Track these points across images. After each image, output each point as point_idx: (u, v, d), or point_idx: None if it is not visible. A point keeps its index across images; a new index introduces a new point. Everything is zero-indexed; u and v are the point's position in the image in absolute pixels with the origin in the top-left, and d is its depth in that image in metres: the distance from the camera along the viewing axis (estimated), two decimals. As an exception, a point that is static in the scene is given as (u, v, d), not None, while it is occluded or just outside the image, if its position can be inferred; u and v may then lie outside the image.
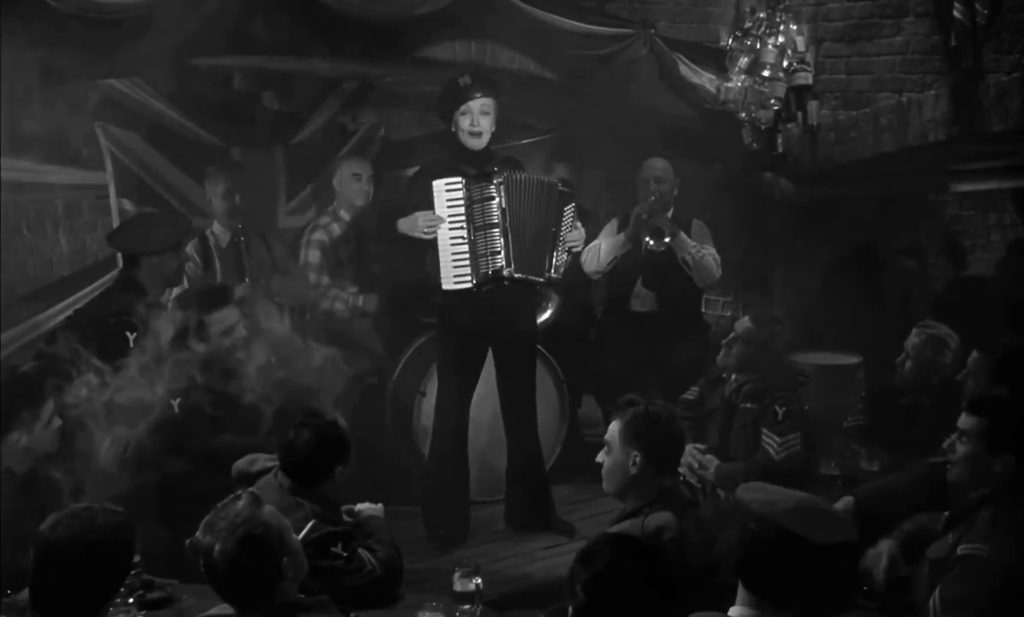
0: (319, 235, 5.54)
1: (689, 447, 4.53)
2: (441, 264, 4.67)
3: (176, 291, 4.84)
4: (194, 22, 4.84)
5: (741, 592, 2.51)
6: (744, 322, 4.77)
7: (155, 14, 4.66)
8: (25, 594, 2.75)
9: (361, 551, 3.38)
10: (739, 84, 5.72)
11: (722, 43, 5.94)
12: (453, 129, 4.79)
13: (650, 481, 3.30)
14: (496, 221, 4.66)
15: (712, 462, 4.58)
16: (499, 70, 6.11)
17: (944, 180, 7.01)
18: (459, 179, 4.66)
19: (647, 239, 5.26)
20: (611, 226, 5.53)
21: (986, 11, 5.18)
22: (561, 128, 6.40)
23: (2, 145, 4.71)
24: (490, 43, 6.26)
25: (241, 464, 3.70)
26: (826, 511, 2.61)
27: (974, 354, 4.26)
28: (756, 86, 5.67)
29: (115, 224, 5.34)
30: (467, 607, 3.20)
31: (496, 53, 6.30)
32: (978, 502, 3.32)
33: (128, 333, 4.19)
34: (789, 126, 5.96)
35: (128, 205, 5.47)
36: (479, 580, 3.23)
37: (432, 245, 4.68)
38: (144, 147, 5.52)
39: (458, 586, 3.22)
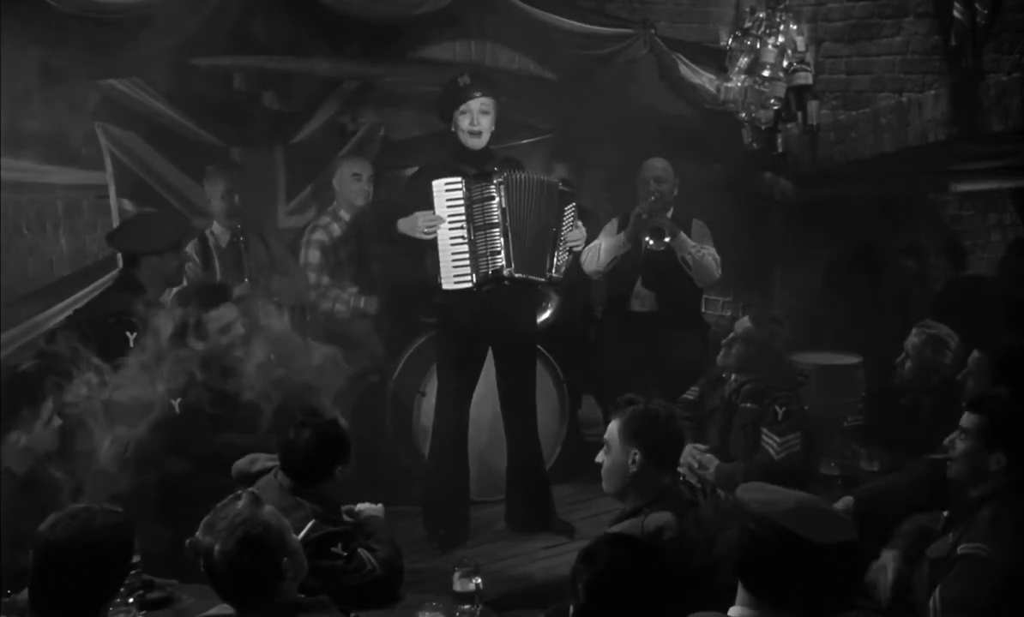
0: (319, 235, 5.54)
1: (689, 447, 4.54)
2: (441, 264, 4.67)
3: (176, 290, 4.84)
4: (194, 22, 4.84)
5: (741, 592, 2.52)
6: (744, 322, 4.77)
7: (155, 14, 4.66)
8: (25, 594, 2.75)
9: (361, 551, 3.38)
10: (739, 84, 5.72)
11: (722, 43, 5.94)
12: (453, 129, 4.79)
13: (650, 480, 3.30)
14: (496, 221, 4.66)
15: (712, 462, 4.58)
16: (499, 70, 6.11)
17: (944, 180, 7.01)
18: (459, 179, 4.66)
19: (647, 239, 5.26)
20: (611, 226, 5.53)
21: (986, 11, 5.18)
22: (561, 128, 6.40)
23: (2, 145, 4.71)
24: (490, 43, 6.27)
25: (241, 464, 3.70)
26: (826, 511, 2.61)
27: (974, 354, 4.26)
28: (756, 86, 5.68)
29: (115, 224, 5.34)
30: (467, 607, 3.20)
31: (496, 53, 6.31)
32: (978, 501, 3.32)
33: (128, 333, 4.19)
34: (789, 126, 5.96)
35: (128, 205, 5.47)
36: (479, 580, 3.23)
37: (432, 245, 4.68)
38: (144, 147, 5.52)
39: (458, 586, 3.22)
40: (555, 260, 4.82)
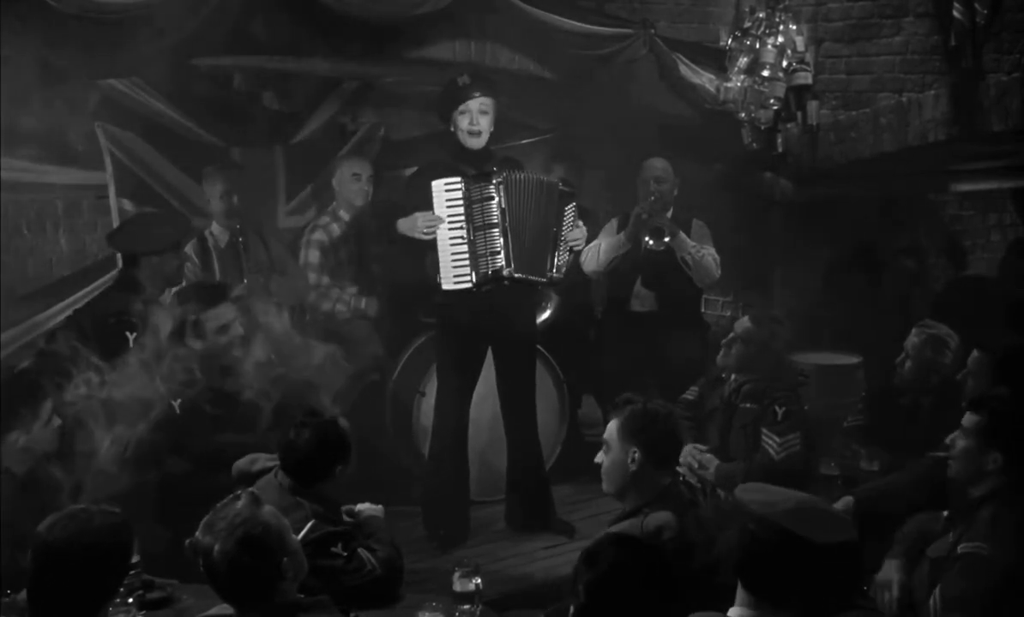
0: (319, 235, 5.54)
1: (689, 447, 4.54)
2: (441, 264, 4.67)
3: (175, 290, 4.84)
4: (194, 22, 4.84)
5: (741, 593, 2.51)
6: (744, 322, 4.76)
7: (155, 14, 4.66)
8: (25, 594, 2.75)
9: (361, 551, 3.38)
10: (739, 84, 5.72)
11: (722, 43, 5.94)
12: (452, 129, 4.80)
13: (649, 479, 3.30)
14: (496, 221, 4.66)
15: (712, 462, 4.58)
16: (499, 70, 6.11)
17: (944, 180, 7.01)
18: (458, 179, 4.66)
19: (647, 239, 5.26)
20: (611, 226, 5.53)
21: (986, 11, 5.18)
22: (561, 128, 6.40)
23: (2, 145, 4.71)
24: (490, 43, 6.27)
25: (241, 464, 3.71)
26: (826, 511, 2.61)
27: (974, 354, 4.26)
28: (756, 86, 5.68)
29: (115, 224, 5.33)
30: (467, 607, 3.20)
31: (496, 53, 6.31)
32: (978, 501, 3.33)
33: (128, 333, 4.18)
34: (789, 126, 5.97)
35: (128, 205, 5.46)
36: (479, 580, 3.23)
37: (432, 245, 4.68)
38: (144, 147, 5.51)
39: (458, 586, 3.22)
40: (556, 260, 4.82)
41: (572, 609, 2.52)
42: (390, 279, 5.63)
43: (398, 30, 5.80)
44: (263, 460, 3.65)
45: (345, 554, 3.30)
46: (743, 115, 5.81)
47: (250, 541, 2.57)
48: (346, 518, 3.54)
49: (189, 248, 5.26)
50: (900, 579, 3.53)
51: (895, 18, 5.72)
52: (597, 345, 5.89)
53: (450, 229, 4.65)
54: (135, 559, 2.99)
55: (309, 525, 3.24)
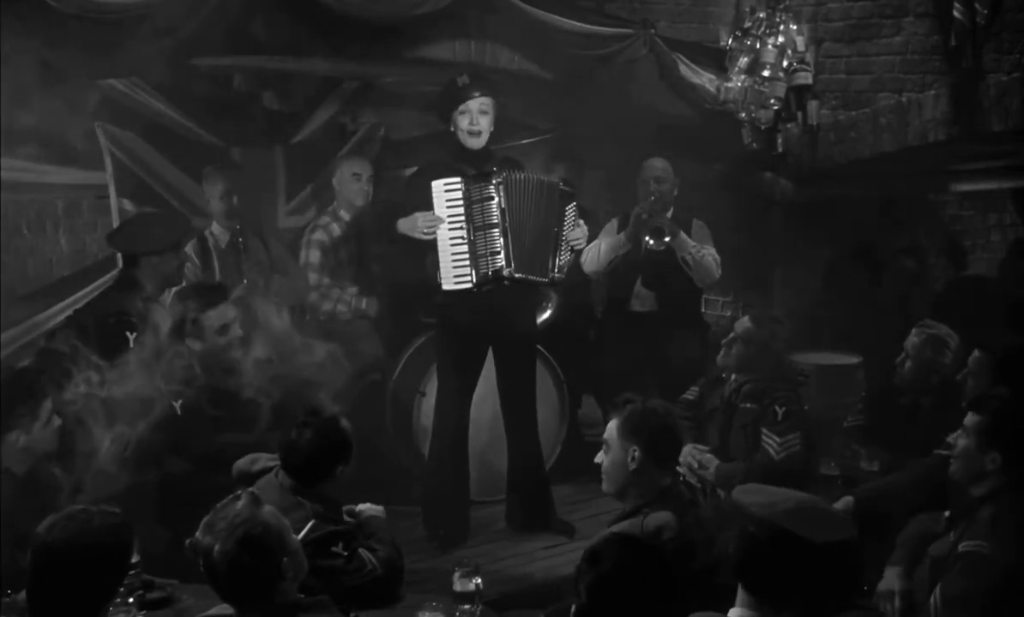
0: (319, 235, 5.54)
1: (689, 447, 4.54)
2: (441, 264, 4.67)
3: (175, 290, 4.84)
4: (194, 22, 4.84)
5: (741, 593, 2.52)
6: (744, 322, 4.76)
7: (155, 14, 4.66)
8: (25, 594, 2.75)
9: (361, 551, 3.37)
10: (739, 84, 5.72)
11: (722, 43, 5.94)
12: (452, 129, 4.80)
13: (649, 478, 3.30)
14: (496, 221, 4.66)
15: (712, 462, 4.58)
16: (499, 70, 6.11)
17: (944, 180, 7.01)
18: (458, 179, 4.66)
19: (647, 239, 5.26)
20: (611, 226, 5.53)
21: (986, 11, 5.18)
22: (561, 128, 6.40)
23: (2, 145, 4.71)
24: (490, 43, 6.26)
25: (242, 463, 3.70)
26: (825, 511, 2.61)
27: (974, 354, 4.26)
28: (756, 86, 5.68)
29: (115, 224, 5.33)
30: (467, 607, 3.20)
31: (496, 53, 6.30)
32: (979, 500, 3.33)
33: (128, 333, 4.19)
34: (789, 126, 5.97)
35: (128, 205, 5.46)
36: (479, 580, 3.23)
37: (432, 245, 4.68)
38: (144, 147, 5.51)
39: (458, 586, 3.21)
40: (558, 260, 4.82)
41: (573, 609, 2.53)
42: (390, 279, 5.63)
43: (398, 30, 5.79)
44: (263, 460, 3.65)
45: (345, 554, 3.30)
46: (743, 115, 5.81)
47: (250, 541, 2.57)
48: (347, 518, 3.54)
49: (189, 248, 5.26)
50: (902, 588, 3.53)
51: (895, 18, 5.71)
52: (597, 345, 5.89)
53: (450, 229, 4.65)
54: (135, 559, 2.99)
55: (309, 525, 3.24)
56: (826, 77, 5.96)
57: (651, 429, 3.32)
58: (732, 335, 4.75)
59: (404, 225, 4.68)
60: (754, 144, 5.98)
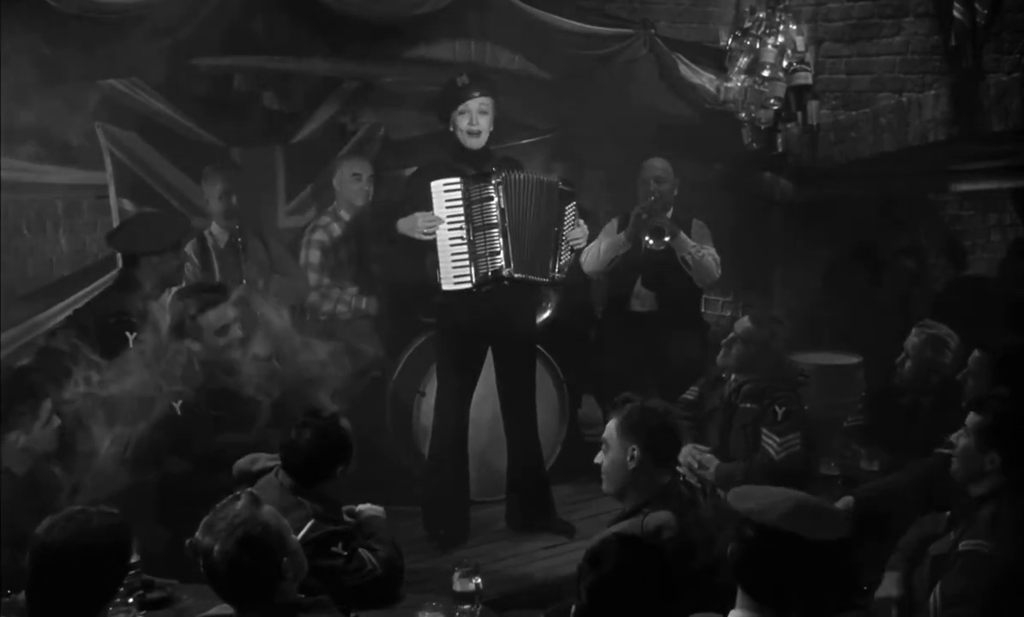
0: (319, 235, 5.54)
1: (689, 447, 4.54)
2: (440, 264, 4.68)
3: (175, 290, 4.84)
4: (194, 22, 4.84)
5: (741, 595, 2.51)
6: (744, 322, 4.76)
7: (155, 14, 4.66)
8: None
9: (361, 551, 3.38)
10: (739, 84, 5.73)
11: (722, 43, 5.94)
12: (451, 129, 4.80)
13: (649, 477, 3.31)
14: (495, 221, 4.66)
15: (712, 462, 4.58)
16: (499, 70, 6.11)
17: (944, 180, 7.01)
18: (457, 179, 4.66)
19: (647, 239, 5.26)
20: (611, 226, 5.53)
21: (986, 11, 5.18)
22: (561, 128, 6.39)
23: (2, 144, 4.71)
24: (490, 43, 6.26)
25: (242, 463, 3.70)
26: (819, 508, 2.60)
27: (974, 354, 4.26)
28: (756, 86, 5.68)
29: (115, 224, 5.33)
30: (467, 607, 3.20)
31: (496, 53, 6.30)
32: (979, 500, 3.33)
33: (128, 333, 4.18)
34: (789, 126, 5.97)
35: (128, 205, 5.45)
36: (479, 580, 3.23)
37: (432, 246, 4.68)
38: (144, 147, 5.51)
39: (458, 586, 3.22)
40: (558, 260, 4.82)
41: (573, 609, 2.53)
42: (390, 279, 5.62)
43: (398, 30, 5.79)
44: (263, 460, 3.65)
45: (345, 554, 3.31)
46: (743, 115, 5.81)
47: (250, 541, 2.57)
48: (347, 518, 3.54)
49: (189, 248, 5.26)
50: (898, 595, 3.53)
51: (895, 18, 5.71)
52: (597, 345, 5.89)
53: (450, 229, 4.65)
54: (135, 559, 3.00)
55: (309, 524, 3.24)
56: (826, 77, 5.96)
57: (650, 428, 3.33)
58: (732, 335, 4.75)
59: (404, 225, 4.68)
60: (754, 144, 5.98)
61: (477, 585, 3.22)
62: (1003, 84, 5.26)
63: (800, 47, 5.70)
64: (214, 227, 5.48)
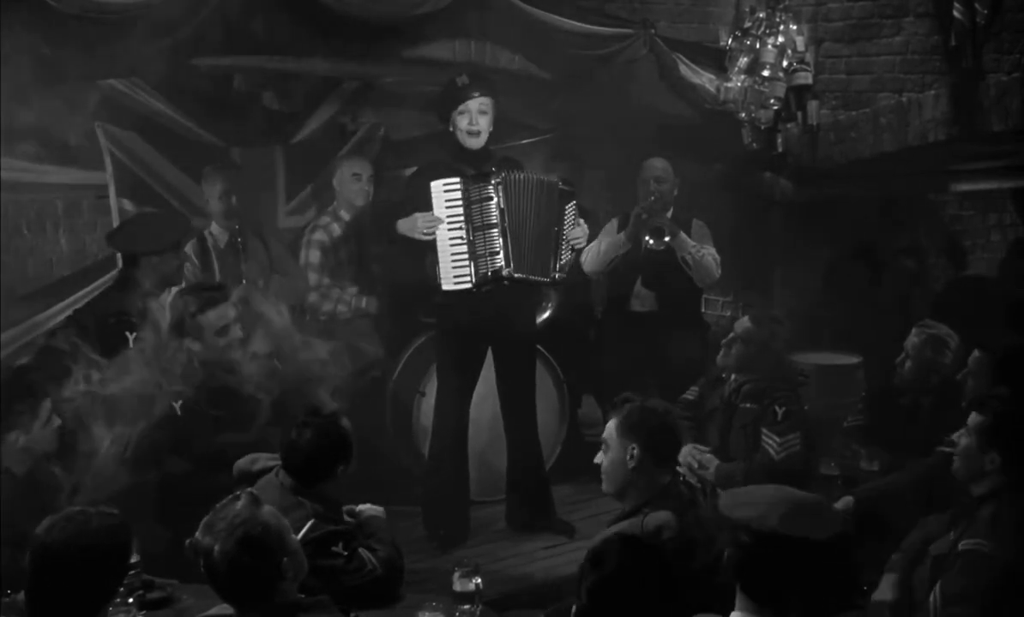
0: (319, 235, 5.54)
1: (689, 447, 4.54)
2: (440, 265, 4.68)
3: (175, 290, 4.84)
4: (194, 22, 4.84)
5: (740, 598, 2.51)
6: (744, 322, 4.77)
7: (155, 14, 4.65)
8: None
9: (361, 551, 3.38)
10: (739, 84, 5.73)
11: (722, 43, 5.94)
12: (451, 129, 4.80)
13: (648, 477, 3.31)
14: (495, 221, 4.66)
15: (712, 462, 4.59)
16: (499, 70, 6.10)
17: (944, 180, 7.01)
18: (457, 180, 4.66)
19: (647, 239, 5.27)
20: (611, 226, 5.53)
21: (986, 11, 5.18)
22: (561, 128, 6.39)
23: (2, 144, 4.71)
24: (490, 43, 6.25)
25: (242, 463, 3.70)
26: (813, 507, 2.59)
27: (974, 354, 4.27)
28: (756, 86, 5.68)
29: (115, 224, 5.33)
30: (467, 607, 3.20)
31: (496, 53, 6.30)
32: (979, 499, 3.34)
33: (128, 333, 4.19)
34: (789, 126, 5.97)
35: (128, 205, 5.45)
36: (479, 580, 3.23)
37: (431, 246, 4.68)
38: (144, 147, 5.51)
39: (458, 586, 3.22)
40: (559, 260, 4.82)
41: (574, 609, 2.53)
42: (390, 279, 5.62)
43: (398, 30, 5.78)
44: (264, 460, 3.65)
45: (345, 554, 3.31)
46: (743, 115, 5.81)
47: (250, 541, 2.57)
48: (347, 518, 3.54)
49: (189, 248, 5.26)
50: (894, 599, 3.53)
51: (895, 18, 5.71)
52: (597, 345, 5.89)
53: (449, 229, 4.65)
54: (135, 559, 3.00)
55: (309, 524, 3.24)
56: (826, 77, 5.96)
57: (650, 428, 3.33)
58: (732, 335, 4.75)
59: (404, 226, 4.68)
60: (754, 144, 5.98)
61: (477, 585, 3.22)
62: (1003, 84, 5.26)
63: (800, 47, 5.70)
64: (214, 227, 5.48)
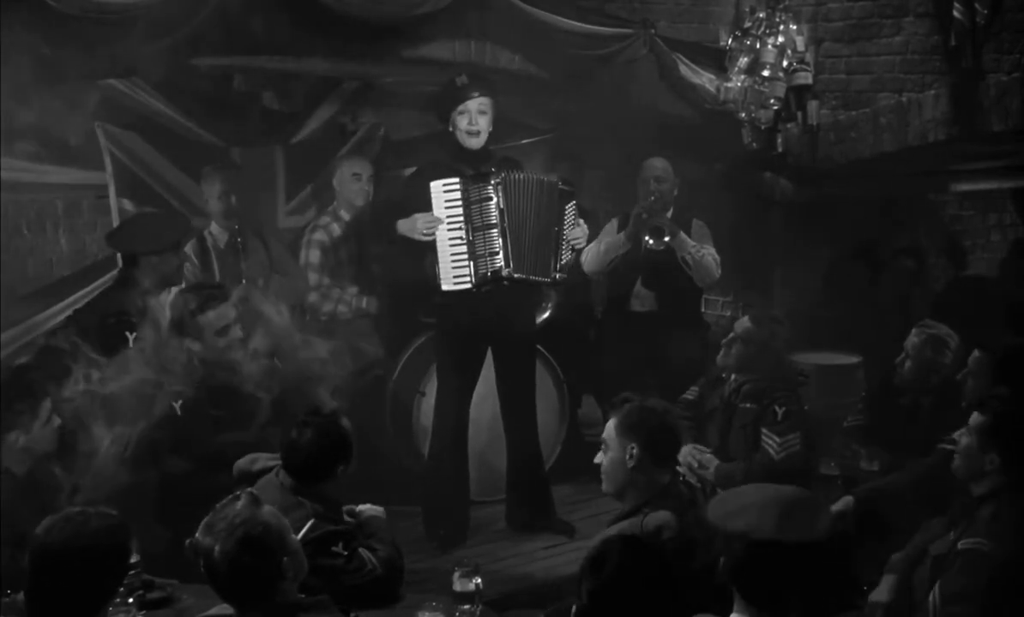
0: (319, 235, 5.54)
1: (689, 447, 4.54)
2: (440, 265, 4.68)
3: (175, 290, 4.84)
4: (194, 22, 4.84)
5: (739, 602, 2.51)
6: (744, 322, 4.77)
7: (155, 14, 4.66)
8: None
9: (361, 550, 3.38)
10: (739, 84, 5.73)
11: (722, 43, 5.94)
12: (451, 129, 4.80)
13: (648, 477, 3.31)
14: (494, 221, 4.67)
15: (712, 462, 4.58)
16: (499, 70, 6.10)
17: (944, 180, 7.01)
18: (456, 180, 4.66)
19: (647, 239, 5.27)
20: (611, 226, 5.53)
21: (986, 11, 5.18)
22: (561, 128, 6.39)
23: (2, 144, 4.71)
24: (490, 43, 6.25)
25: (242, 463, 3.70)
26: (803, 505, 2.58)
27: (974, 354, 4.26)
28: (756, 86, 5.68)
29: (115, 224, 5.33)
30: (467, 607, 3.20)
31: (496, 53, 6.30)
32: (979, 499, 3.34)
33: (128, 333, 4.19)
34: (789, 126, 5.97)
35: (128, 205, 5.45)
36: (479, 580, 3.23)
37: (431, 246, 4.68)
38: (144, 147, 5.51)
39: (458, 586, 3.22)
40: (559, 260, 4.82)
41: (574, 609, 2.53)
42: (390, 279, 5.62)
43: (398, 30, 5.79)
44: (264, 459, 3.65)
45: (346, 554, 3.30)
46: (743, 115, 5.81)
47: (250, 541, 2.57)
48: (347, 518, 3.54)
49: (189, 248, 5.26)
50: (887, 602, 3.53)
51: (895, 18, 5.71)
52: (597, 345, 5.89)
53: (449, 230, 4.65)
54: (135, 559, 2.99)
55: (309, 524, 3.24)
56: (826, 77, 5.96)
57: (649, 427, 3.33)
58: (732, 335, 4.75)
59: (403, 226, 4.68)
60: (754, 144, 5.98)
61: (477, 585, 3.22)
62: (1003, 84, 5.26)
63: (800, 47, 5.70)
64: (214, 227, 5.48)
